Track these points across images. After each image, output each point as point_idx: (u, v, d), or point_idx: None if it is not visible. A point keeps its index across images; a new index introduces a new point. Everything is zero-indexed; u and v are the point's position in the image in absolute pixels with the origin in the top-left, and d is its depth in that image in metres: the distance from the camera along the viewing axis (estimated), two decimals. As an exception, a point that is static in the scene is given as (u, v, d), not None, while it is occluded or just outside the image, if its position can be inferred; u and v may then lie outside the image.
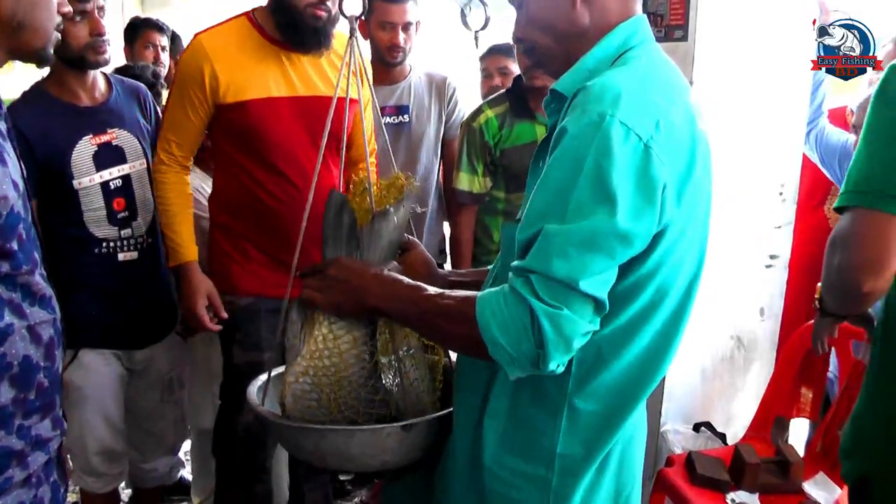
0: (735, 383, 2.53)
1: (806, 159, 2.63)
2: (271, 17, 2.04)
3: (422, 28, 2.76)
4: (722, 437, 2.36)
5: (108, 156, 2.12)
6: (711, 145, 1.18)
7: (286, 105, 2.05)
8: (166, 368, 2.41)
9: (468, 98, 2.99)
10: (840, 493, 2.02)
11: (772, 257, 2.51)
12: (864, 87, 2.39)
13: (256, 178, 2.09)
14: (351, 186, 1.43)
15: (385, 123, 2.62)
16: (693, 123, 1.12)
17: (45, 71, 2.11)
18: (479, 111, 2.71)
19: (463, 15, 2.50)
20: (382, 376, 1.38)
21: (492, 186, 2.73)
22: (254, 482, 2.26)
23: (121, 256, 2.17)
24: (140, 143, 2.21)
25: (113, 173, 2.13)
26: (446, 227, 3.01)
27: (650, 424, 1.40)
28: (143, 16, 4.00)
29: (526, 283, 1.03)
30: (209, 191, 2.34)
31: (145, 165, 2.21)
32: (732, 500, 2.01)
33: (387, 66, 2.71)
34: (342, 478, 2.94)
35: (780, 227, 2.50)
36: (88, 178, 2.09)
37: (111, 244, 2.15)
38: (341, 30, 2.10)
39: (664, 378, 1.93)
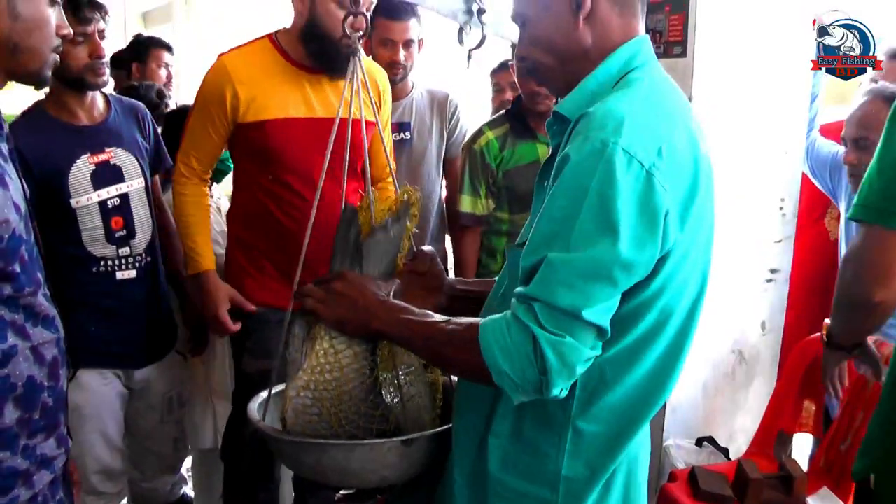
0: (737, 398, 2.53)
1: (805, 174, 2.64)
2: (300, 44, 2.07)
3: (424, 46, 2.76)
4: (725, 451, 2.35)
5: (106, 175, 2.12)
6: (712, 160, 1.19)
7: (304, 126, 2.08)
8: (166, 388, 2.40)
9: (468, 114, 2.99)
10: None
11: (772, 271, 2.51)
12: (857, 97, 2.40)
13: (273, 196, 2.12)
14: (359, 202, 1.44)
15: (387, 140, 2.62)
16: (695, 146, 1.12)
17: (45, 90, 2.11)
18: (479, 133, 2.72)
19: (460, 32, 2.51)
20: (383, 392, 1.38)
21: (495, 208, 2.73)
22: (259, 490, 2.27)
23: (119, 275, 2.16)
24: (138, 161, 2.21)
25: (111, 192, 2.13)
26: (448, 245, 3.00)
27: (653, 439, 1.40)
28: (146, 32, 4.00)
29: (529, 310, 1.03)
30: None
31: (143, 184, 2.21)
32: (736, 517, 2.00)
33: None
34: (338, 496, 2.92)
35: (780, 241, 2.51)
36: (86, 197, 2.09)
37: (109, 263, 2.14)
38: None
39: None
